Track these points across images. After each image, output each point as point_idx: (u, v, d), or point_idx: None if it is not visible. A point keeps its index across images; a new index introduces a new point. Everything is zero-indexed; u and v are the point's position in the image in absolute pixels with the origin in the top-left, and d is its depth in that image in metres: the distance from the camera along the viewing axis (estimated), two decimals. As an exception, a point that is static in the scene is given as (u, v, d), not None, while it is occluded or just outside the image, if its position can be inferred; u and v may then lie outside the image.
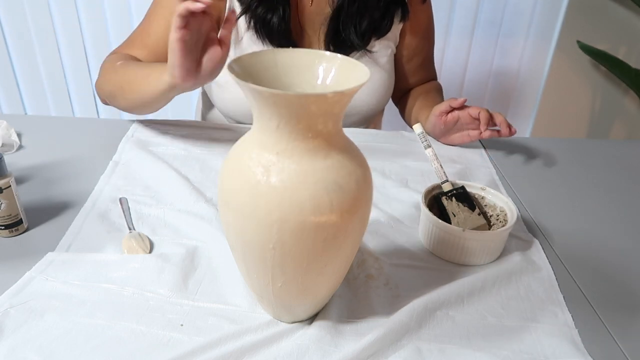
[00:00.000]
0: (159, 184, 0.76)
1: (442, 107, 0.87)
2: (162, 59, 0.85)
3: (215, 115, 1.06)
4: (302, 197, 0.41)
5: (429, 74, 1.10)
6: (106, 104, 0.91)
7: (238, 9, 0.89)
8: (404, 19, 0.96)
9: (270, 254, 0.44)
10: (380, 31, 0.94)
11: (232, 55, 0.91)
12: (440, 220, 0.62)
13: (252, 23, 0.89)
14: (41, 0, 1.60)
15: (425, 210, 0.64)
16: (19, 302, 0.53)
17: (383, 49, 0.97)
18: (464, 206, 0.66)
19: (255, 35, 0.90)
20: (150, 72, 0.77)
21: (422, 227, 0.66)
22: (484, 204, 0.69)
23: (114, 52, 0.91)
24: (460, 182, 0.69)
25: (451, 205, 0.66)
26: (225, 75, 0.93)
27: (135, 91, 0.80)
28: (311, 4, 0.92)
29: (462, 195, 0.67)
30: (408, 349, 0.50)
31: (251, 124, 0.46)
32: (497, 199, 0.68)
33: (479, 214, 0.66)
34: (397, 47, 1.01)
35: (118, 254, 0.61)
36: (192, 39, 0.66)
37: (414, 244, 0.66)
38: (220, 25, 0.75)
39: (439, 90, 1.08)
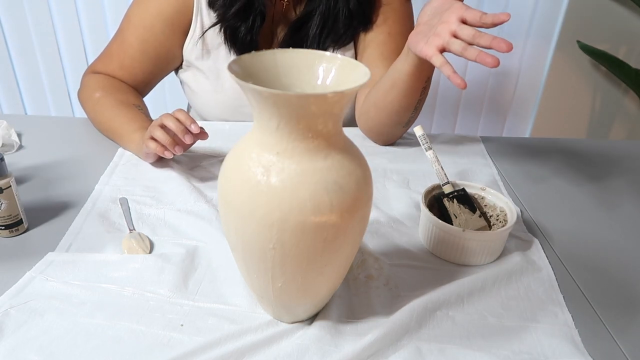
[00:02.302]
0: (159, 184, 0.76)
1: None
2: (140, 80, 0.93)
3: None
4: (302, 197, 0.41)
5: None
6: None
7: (207, 17, 0.90)
8: (365, 30, 0.93)
9: (270, 254, 0.44)
10: (339, 43, 0.93)
11: (209, 62, 0.94)
12: (440, 221, 0.62)
13: (221, 29, 0.90)
14: (41, 0, 1.60)
15: (425, 210, 0.64)
16: (19, 302, 0.53)
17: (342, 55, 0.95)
18: (465, 208, 0.66)
19: (224, 44, 0.91)
20: (121, 130, 0.84)
21: (422, 227, 0.66)
22: (484, 204, 0.69)
23: (93, 70, 0.94)
24: (460, 183, 0.69)
25: (453, 207, 0.66)
26: (196, 82, 0.95)
27: (105, 131, 0.88)
28: (283, 9, 0.92)
29: (463, 197, 0.67)
30: (408, 349, 0.50)
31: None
32: (497, 199, 0.68)
33: (479, 216, 0.66)
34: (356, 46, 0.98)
35: (118, 254, 0.61)
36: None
37: (414, 244, 0.66)
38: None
39: None
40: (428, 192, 0.68)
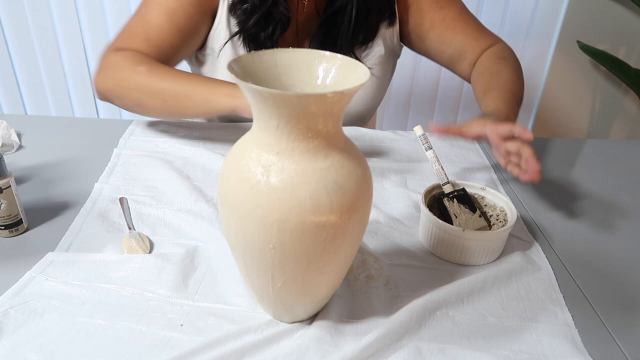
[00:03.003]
0: (159, 183, 0.76)
1: (502, 129, 0.71)
2: (166, 53, 0.85)
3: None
4: (302, 197, 0.41)
5: (472, 37, 0.95)
6: (104, 100, 0.86)
7: (223, 26, 0.89)
8: (391, 24, 0.94)
9: (270, 254, 0.44)
10: (369, 37, 0.93)
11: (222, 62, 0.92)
12: (440, 220, 0.62)
13: (241, 37, 0.88)
14: (41, 0, 1.60)
15: (425, 210, 0.64)
16: (19, 302, 0.53)
17: (370, 53, 0.95)
18: (465, 208, 0.66)
19: (242, 45, 0.90)
20: (196, 93, 0.77)
21: (422, 227, 0.66)
22: (484, 204, 0.69)
23: (117, 48, 0.85)
24: (460, 183, 0.69)
25: (453, 207, 0.66)
26: (214, 73, 0.93)
27: (173, 98, 0.78)
28: (304, 10, 0.91)
29: (463, 197, 0.67)
30: (408, 349, 0.50)
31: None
32: (497, 199, 0.68)
33: (479, 216, 0.66)
34: (408, 38, 0.98)
35: (118, 254, 0.61)
36: None
37: (414, 244, 0.66)
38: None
39: (502, 62, 0.91)
40: (428, 192, 0.68)
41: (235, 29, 0.89)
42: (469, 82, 0.98)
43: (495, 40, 0.96)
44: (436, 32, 0.95)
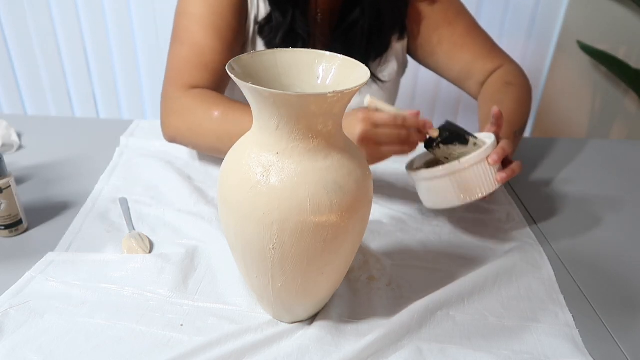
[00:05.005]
0: (159, 184, 0.76)
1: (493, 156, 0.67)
2: (224, 74, 0.81)
3: None
4: (302, 197, 0.41)
5: (480, 55, 0.93)
6: (172, 142, 0.82)
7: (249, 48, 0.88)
8: (402, 37, 0.94)
9: (270, 254, 0.44)
10: (378, 54, 0.92)
11: None
12: (432, 168, 0.62)
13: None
14: (41, 0, 1.60)
15: (413, 173, 0.64)
16: (19, 302, 0.53)
17: (385, 70, 0.95)
18: (455, 145, 0.64)
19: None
20: None
21: (422, 192, 0.66)
22: (474, 142, 0.66)
23: (181, 86, 0.80)
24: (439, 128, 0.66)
25: (441, 152, 0.65)
26: None
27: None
28: (319, 23, 0.90)
29: (450, 138, 0.64)
30: (409, 349, 0.50)
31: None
32: (483, 136, 0.67)
33: (474, 145, 0.64)
34: (416, 53, 0.98)
35: (118, 254, 0.61)
36: None
37: (416, 244, 0.66)
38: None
39: (507, 89, 0.88)
40: (411, 163, 0.69)
41: (261, 49, 0.88)
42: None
43: (503, 60, 0.94)
44: (444, 48, 0.94)
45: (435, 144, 0.65)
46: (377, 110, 0.64)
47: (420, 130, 0.65)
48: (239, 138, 0.75)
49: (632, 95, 1.80)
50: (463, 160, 0.61)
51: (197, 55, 0.80)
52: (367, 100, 0.64)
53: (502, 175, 0.64)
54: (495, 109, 0.68)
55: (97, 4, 1.61)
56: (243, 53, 0.88)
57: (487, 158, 0.63)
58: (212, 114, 0.75)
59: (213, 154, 0.80)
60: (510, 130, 0.76)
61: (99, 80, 1.74)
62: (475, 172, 0.62)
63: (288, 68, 0.47)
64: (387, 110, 0.63)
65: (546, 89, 1.78)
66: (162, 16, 1.61)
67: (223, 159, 0.47)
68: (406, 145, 0.64)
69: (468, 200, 0.63)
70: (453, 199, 0.63)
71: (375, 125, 0.63)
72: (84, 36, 1.67)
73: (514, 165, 0.66)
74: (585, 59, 1.73)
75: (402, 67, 1.00)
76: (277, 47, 0.86)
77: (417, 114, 0.65)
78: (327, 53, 0.47)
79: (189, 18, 0.81)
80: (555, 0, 1.64)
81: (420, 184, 0.66)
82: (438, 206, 0.65)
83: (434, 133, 0.64)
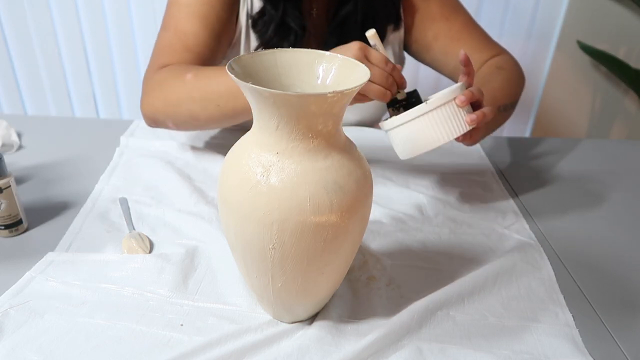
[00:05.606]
0: (159, 184, 0.76)
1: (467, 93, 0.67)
2: (207, 59, 0.82)
3: None
4: (302, 197, 0.41)
5: (476, 49, 0.93)
6: (154, 125, 0.81)
7: (242, 42, 0.89)
8: (397, 28, 0.94)
9: (270, 254, 0.44)
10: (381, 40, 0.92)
11: None
12: (404, 112, 0.62)
13: (265, 47, 0.87)
14: (41, 0, 1.60)
15: (384, 124, 0.64)
16: (19, 302, 0.53)
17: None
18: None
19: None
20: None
21: (395, 143, 0.66)
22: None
23: (160, 66, 0.80)
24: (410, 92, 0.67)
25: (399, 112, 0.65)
26: None
27: (234, 107, 0.72)
28: (313, 20, 0.90)
29: (414, 104, 0.64)
30: (409, 349, 0.50)
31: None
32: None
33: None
34: (412, 48, 0.98)
35: (118, 254, 0.61)
36: None
37: (416, 244, 0.66)
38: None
39: (498, 71, 0.88)
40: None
41: (255, 43, 0.89)
42: None
43: (499, 51, 0.94)
44: (440, 44, 0.94)
45: (398, 106, 0.66)
46: (374, 47, 0.65)
47: (397, 84, 0.65)
48: (214, 98, 0.72)
49: (632, 95, 1.80)
50: (430, 101, 0.61)
51: (180, 40, 0.81)
52: (371, 32, 0.65)
53: (472, 116, 0.63)
54: (461, 53, 0.67)
55: (97, 4, 1.61)
56: (235, 46, 0.90)
57: (454, 99, 0.62)
58: (184, 78, 0.74)
59: (193, 125, 0.78)
60: (494, 105, 0.75)
61: (99, 80, 1.74)
62: (443, 113, 0.61)
63: (288, 68, 0.47)
64: (382, 52, 0.64)
65: (546, 89, 1.78)
66: (162, 16, 1.61)
67: (223, 159, 0.47)
68: (388, 92, 0.64)
69: (441, 142, 0.62)
70: (426, 143, 0.62)
71: (368, 59, 0.64)
72: (84, 36, 1.67)
73: (485, 109, 0.65)
74: (585, 59, 1.73)
75: (398, 61, 1.00)
76: (269, 41, 0.86)
77: (401, 69, 0.66)
78: (327, 53, 0.47)
79: (178, 7, 0.82)
80: (555, 0, 1.64)
81: (392, 134, 0.65)
82: (412, 153, 0.64)
83: (402, 96, 0.65)
